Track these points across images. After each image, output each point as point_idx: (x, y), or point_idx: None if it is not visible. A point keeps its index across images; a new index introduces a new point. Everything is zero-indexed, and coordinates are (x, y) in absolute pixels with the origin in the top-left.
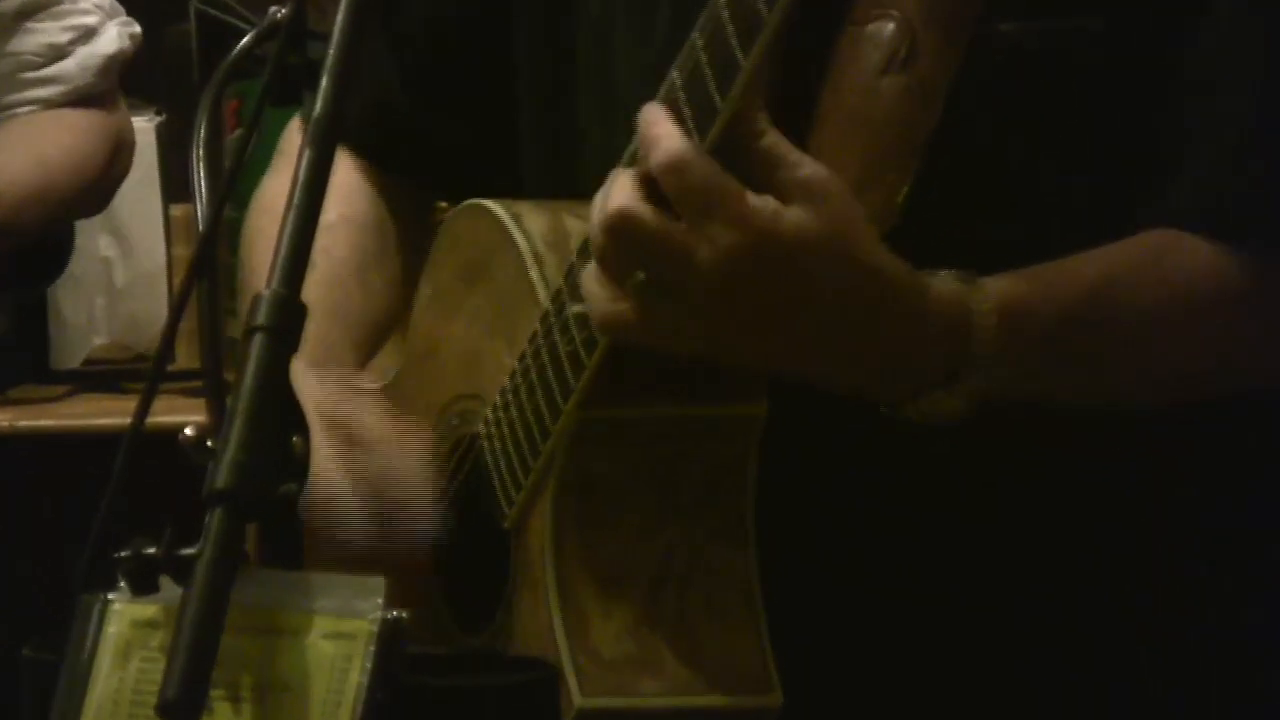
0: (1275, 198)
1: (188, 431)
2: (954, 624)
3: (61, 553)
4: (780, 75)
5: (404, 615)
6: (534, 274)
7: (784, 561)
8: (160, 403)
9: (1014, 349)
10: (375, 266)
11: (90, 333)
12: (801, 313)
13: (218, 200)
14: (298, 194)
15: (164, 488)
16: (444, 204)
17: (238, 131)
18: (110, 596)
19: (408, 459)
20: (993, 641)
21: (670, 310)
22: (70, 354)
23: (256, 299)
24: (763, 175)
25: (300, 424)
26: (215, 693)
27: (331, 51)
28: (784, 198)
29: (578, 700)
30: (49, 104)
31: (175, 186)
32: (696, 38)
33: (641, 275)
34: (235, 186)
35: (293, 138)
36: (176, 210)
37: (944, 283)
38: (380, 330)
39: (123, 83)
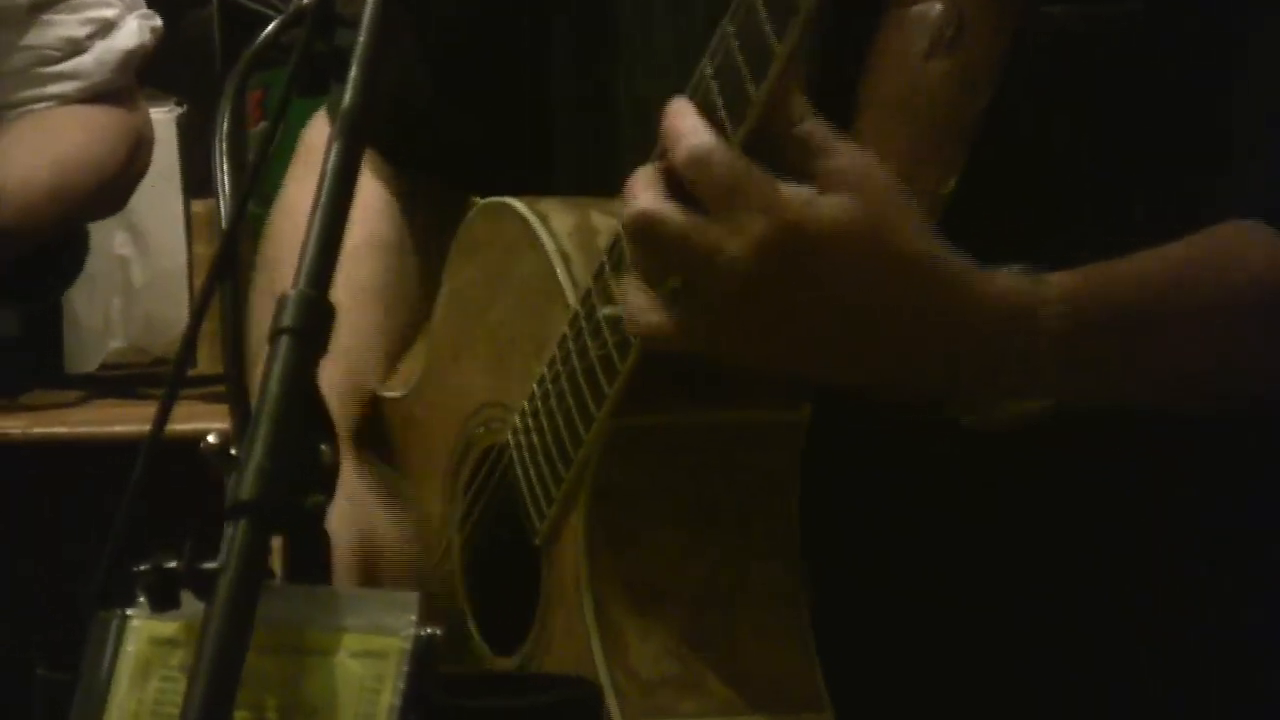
0: None
1: (210, 439)
2: (954, 624)
3: (77, 566)
4: (819, 61)
5: (438, 633)
6: (561, 274)
7: None
8: (180, 409)
9: (1084, 347)
10: (400, 289)
11: (106, 335)
12: (842, 310)
13: (241, 196)
14: (326, 188)
15: (185, 498)
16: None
17: (262, 124)
18: (128, 613)
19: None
20: (993, 641)
21: (707, 315)
22: (85, 358)
23: (283, 300)
24: (801, 165)
25: (328, 431)
26: (239, 715)
27: (361, 39)
28: (823, 187)
29: None
30: (66, 100)
31: (196, 181)
32: (727, 25)
33: (676, 282)
34: (259, 181)
35: (316, 129)
36: (198, 206)
37: (1006, 278)
38: (405, 346)
39: (140, 72)
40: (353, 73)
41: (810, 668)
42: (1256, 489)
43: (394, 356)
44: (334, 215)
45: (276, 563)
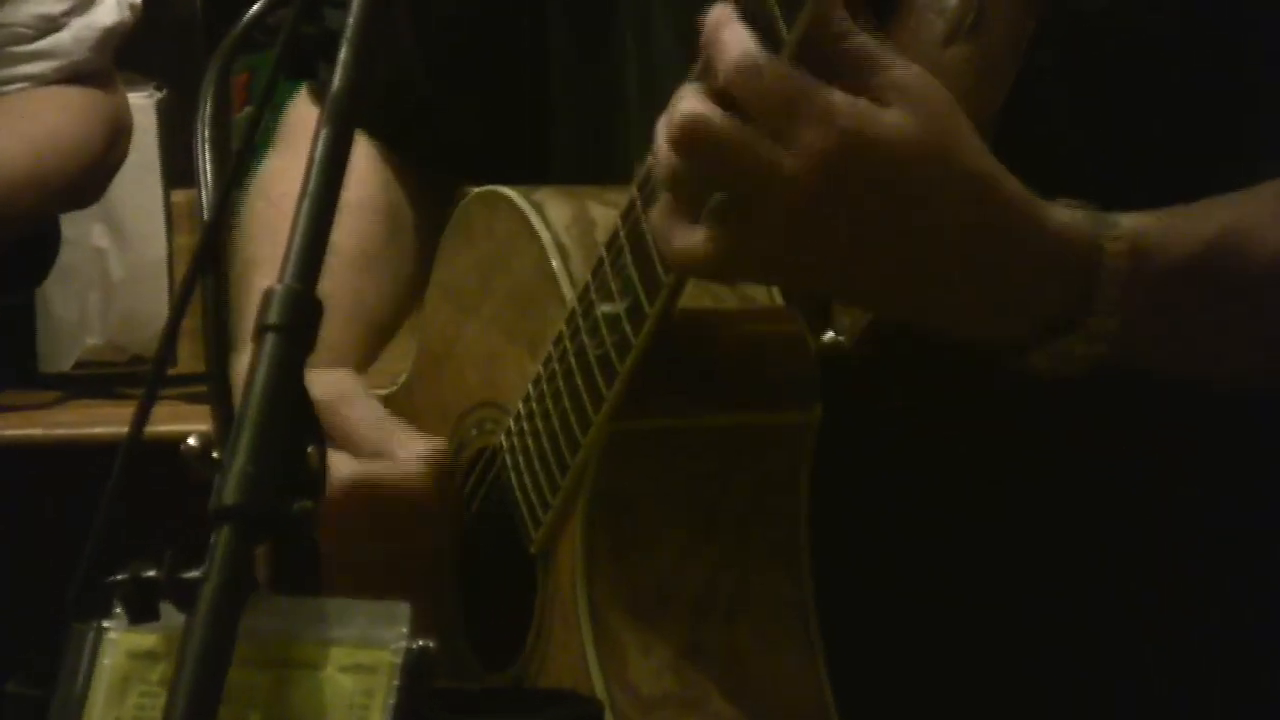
0: None
1: (191, 441)
2: (960, 622)
3: (51, 575)
4: None
5: (430, 645)
6: (557, 269)
7: None
8: (160, 409)
9: (1144, 288)
10: (387, 257)
11: (82, 332)
12: (904, 229)
13: (224, 185)
14: (314, 177)
15: (165, 504)
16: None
17: (247, 109)
18: (105, 624)
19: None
20: (999, 640)
21: (754, 236)
22: (60, 356)
23: (268, 294)
24: (853, 81)
25: (316, 432)
26: None
27: (351, 20)
28: (880, 102)
29: None
30: (41, 81)
31: (177, 170)
32: None
33: (719, 198)
34: (244, 170)
35: (298, 113)
36: (178, 196)
37: (1071, 210)
38: (390, 326)
39: (119, 54)
40: (342, 55)
41: (818, 683)
42: (1262, 488)
43: (376, 326)
44: (322, 206)
45: (261, 572)
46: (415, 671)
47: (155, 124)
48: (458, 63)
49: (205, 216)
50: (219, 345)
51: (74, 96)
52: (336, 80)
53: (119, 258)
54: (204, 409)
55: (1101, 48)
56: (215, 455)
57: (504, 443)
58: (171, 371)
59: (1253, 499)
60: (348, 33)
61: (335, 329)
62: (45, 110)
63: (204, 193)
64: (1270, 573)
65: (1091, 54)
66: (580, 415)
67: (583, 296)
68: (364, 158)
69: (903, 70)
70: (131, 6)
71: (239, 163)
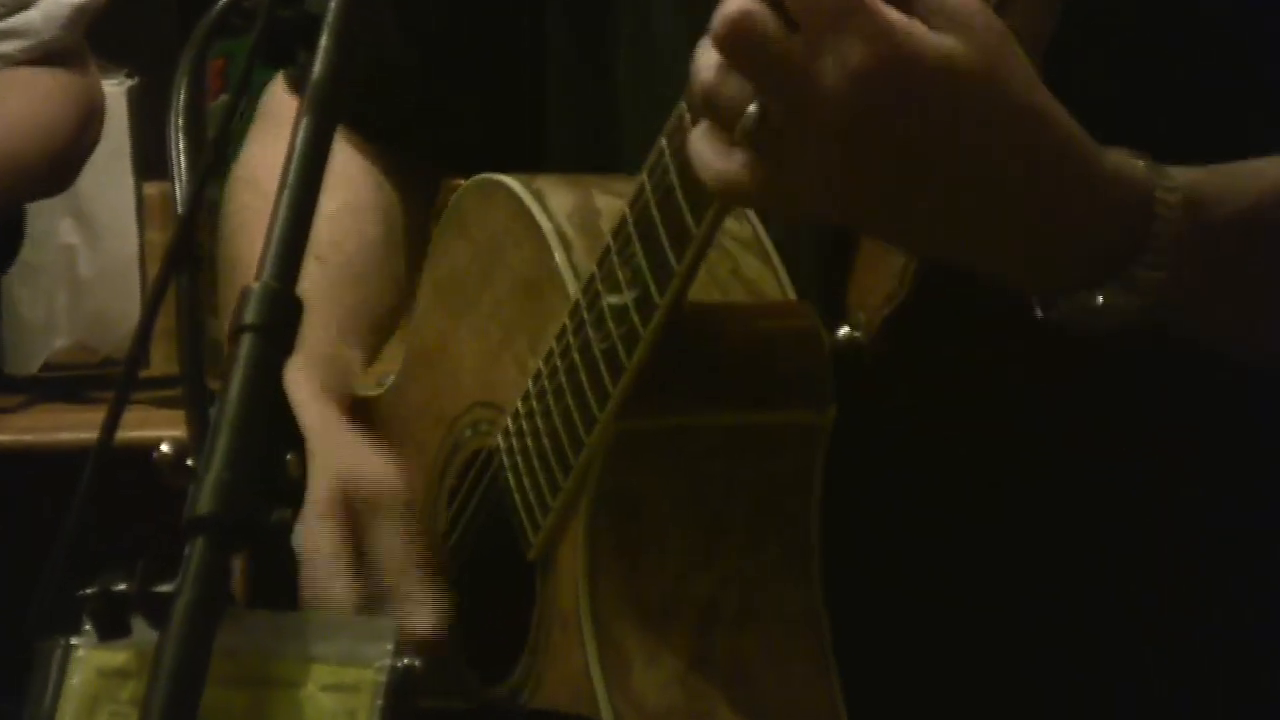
0: None
1: (164, 448)
2: (959, 623)
3: (17, 587)
4: None
5: (416, 663)
6: (560, 260)
7: None
8: (131, 414)
9: (1195, 241)
10: (384, 259)
11: (50, 333)
12: (950, 159)
13: (199, 177)
14: (293, 170)
15: (136, 513)
16: (459, 181)
17: (223, 97)
18: (74, 641)
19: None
20: (998, 641)
21: (793, 155)
22: (27, 358)
23: (245, 293)
24: (905, 6)
25: (295, 439)
26: None
27: (332, 4)
28: (931, 27)
29: None
30: (10, 62)
31: (150, 161)
32: None
33: (753, 109)
34: (220, 160)
35: (276, 98)
36: (151, 189)
37: (1123, 155)
38: (390, 329)
39: (90, 40)
40: (323, 42)
41: (830, 694)
42: (1262, 488)
43: (380, 331)
44: (302, 199)
45: (238, 585)
46: (400, 691)
47: (126, 113)
48: (455, 58)
49: (179, 210)
50: (194, 347)
51: (44, 78)
52: (318, 68)
53: (88, 254)
54: (178, 414)
55: (1105, 46)
56: (190, 462)
57: (501, 443)
58: (144, 374)
59: (1253, 499)
60: (329, 18)
61: (350, 338)
62: (14, 92)
63: (178, 185)
64: (1270, 573)
65: (1112, 31)
66: (584, 413)
67: (588, 288)
68: (353, 158)
69: None
70: None
71: (215, 153)
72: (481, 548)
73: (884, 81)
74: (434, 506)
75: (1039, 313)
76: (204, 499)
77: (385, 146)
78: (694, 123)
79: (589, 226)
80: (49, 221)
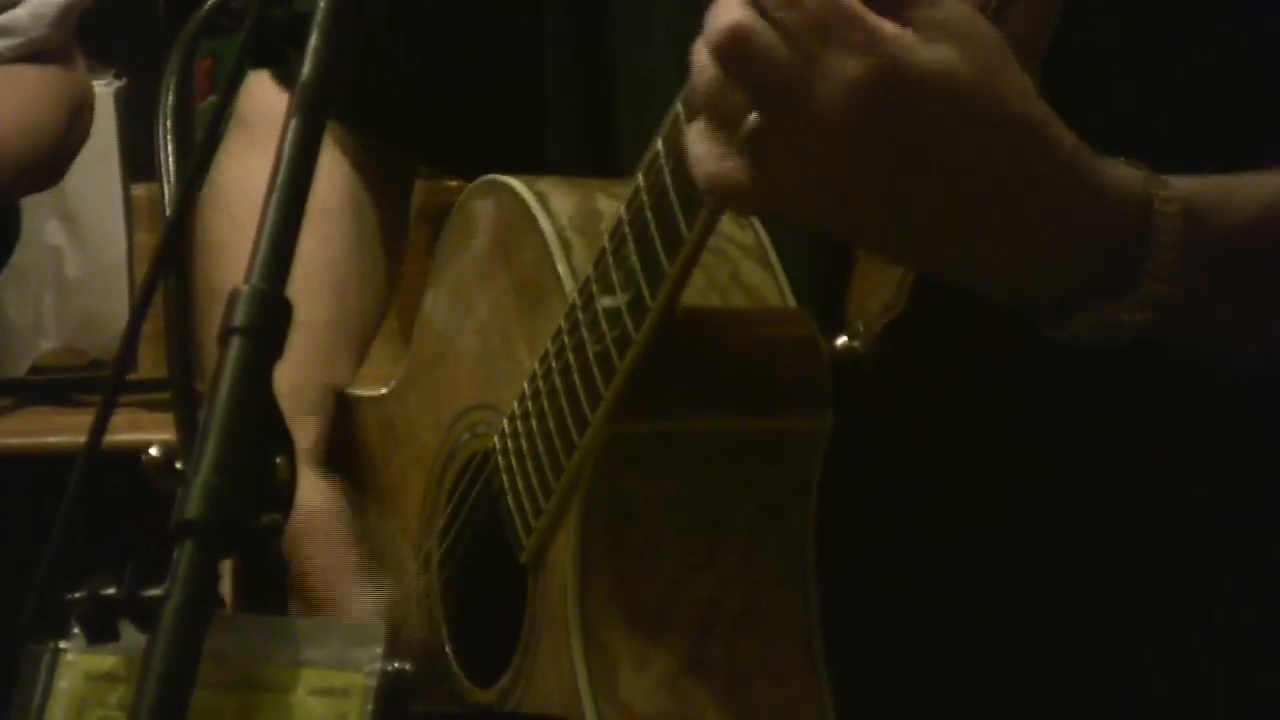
0: None
1: (152, 451)
2: (959, 623)
3: (4, 592)
4: None
5: (406, 667)
6: (560, 263)
7: None
8: (119, 417)
9: (1196, 252)
10: (359, 266)
11: (37, 336)
12: (945, 171)
13: (187, 178)
14: (282, 171)
15: (124, 517)
16: (454, 183)
17: (211, 97)
18: (62, 645)
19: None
20: (998, 641)
21: (788, 164)
22: (13, 360)
23: (234, 295)
24: (900, 15)
25: (284, 443)
26: None
27: (322, 3)
28: (925, 37)
29: None
30: None
31: (138, 163)
32: None
33: (754, 118)
34: (208, 162)
35: (252, 102)
36: (139, 190)
37: (1121, 165)
38: (369, 337)
39: (77, 41)
40: (313, 41)
41: (821, 705)
42: (1262, 488)
43: (357, 340)
44: (291, 201)
45: (227, 589)
46: (390, 695)
47: (114, 114)
48: (455, 58)
49: (168, 212)
50: (182, 349)
51: (31, 75)
52: (307, 68)
53: (76, 256)
54: (166, 417)
55: (1105, 47)
56: (178, 466)
57: (497, 445)
58: (131, 377)
59: (1253, 499)
60: (318, 17)
61: (320, 355)
62: (2, 90)
63: (166, 187)
64: (1271, 573)
65: (1114, 33)
66: (577, 415)
67: (583, 289)
68: (327, 161)
69: (952, 7)
70: None
71: (203, 155)
72: (476, 550)
73: (879, 93)
74: (433, 509)
75: (1046, 333)
76: (193, 502)
77: (384, 145)
78: (689, 121)
79: (589, 229)
80: (37, 224)
